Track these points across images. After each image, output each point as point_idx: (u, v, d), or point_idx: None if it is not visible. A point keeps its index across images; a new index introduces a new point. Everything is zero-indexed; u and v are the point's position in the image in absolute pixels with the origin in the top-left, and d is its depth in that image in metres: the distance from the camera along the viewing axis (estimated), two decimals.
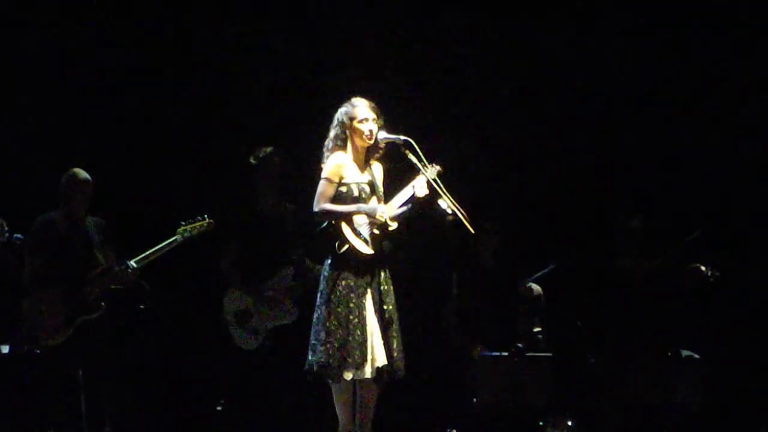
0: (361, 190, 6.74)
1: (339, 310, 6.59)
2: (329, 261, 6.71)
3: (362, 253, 6.65)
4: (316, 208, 6.68)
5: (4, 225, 7.71)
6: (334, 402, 6.70)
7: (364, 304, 6.63)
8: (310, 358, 6.64)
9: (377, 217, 6.65)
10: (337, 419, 6.76)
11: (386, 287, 6.72)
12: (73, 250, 7.63)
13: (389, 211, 6.71)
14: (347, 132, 6.75)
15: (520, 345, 8.12)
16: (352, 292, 6.62)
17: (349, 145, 6.76)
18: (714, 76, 8.89)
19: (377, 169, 6.87)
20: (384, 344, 6.62)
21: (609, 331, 8.20)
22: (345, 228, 6.65)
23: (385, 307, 6.67)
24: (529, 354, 8.13)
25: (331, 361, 6.53)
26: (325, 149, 6.80)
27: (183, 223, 7.66)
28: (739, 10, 8.86)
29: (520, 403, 8.05)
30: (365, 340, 6.57)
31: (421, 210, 6.77)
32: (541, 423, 8.03)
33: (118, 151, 8.78)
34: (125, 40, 8.84)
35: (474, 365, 8.15)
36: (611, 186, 8.92)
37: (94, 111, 8.80)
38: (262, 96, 8.95)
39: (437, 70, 8.99)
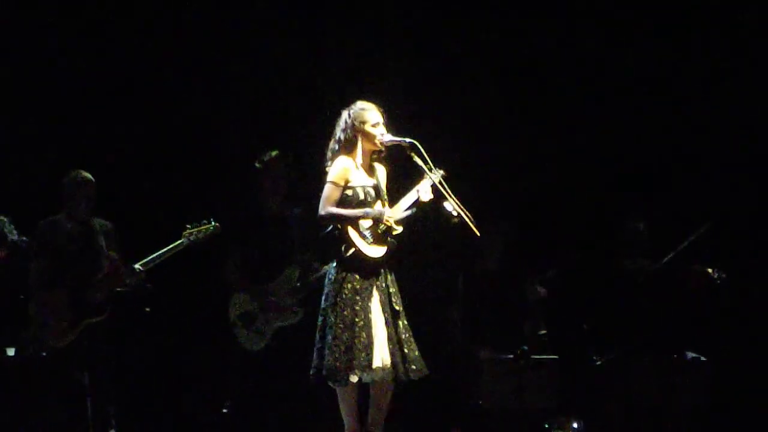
0: (366, 194, 6.72)
1: (345, 313, 6.58)
2: (335, 264, 6.70)
3: (368, 256, 6.64)
4: (322, 212, 6.66)
5: (8, 224, 7.73)
6: (340, 405, 6.69)
7: (370, 306, 6.62)
8: (316, 361, 6.64)
9: (383, 221, 6.64)
10: (341, 421, 6.75)
11: (394, 289, 6.72)
12: (79, 252, 7.64)
13: (395, 214, 6.70)
14: (357, 136, 6.72)
15: (525, 347, 8.12)
16: (358, 294, 6.61)
17: (357, 148, 6.73)
18: (719, 76, 8.88)
19: (381, 170, 6.85)
20: (396, 345, 6.61)
21: (614, 333, 8.19)
22: (351, 231, 6.64)
23: (397, 308, 6.66)
24: (534, 356, 8.13)
25: (337, 364, 6.52)
26: (330, 152, 6.77)
27: (189, 226, 7.66)
28: (742, 10, 8.85)
29: (525, 405, 8.05)
30: (371, 343, 6.56)
31: (427, 213, 6.75)
32: (546, 425, 8.02)
33: (125, 154, 8.78)
34: (132, 42, 8.84)
35: (479, 367, 8.15)
36: (616, 188, 8.91)
37: (99, 113, 8.80)
38: (267, 99, 8.94)
39: (442, 71, 8.98)
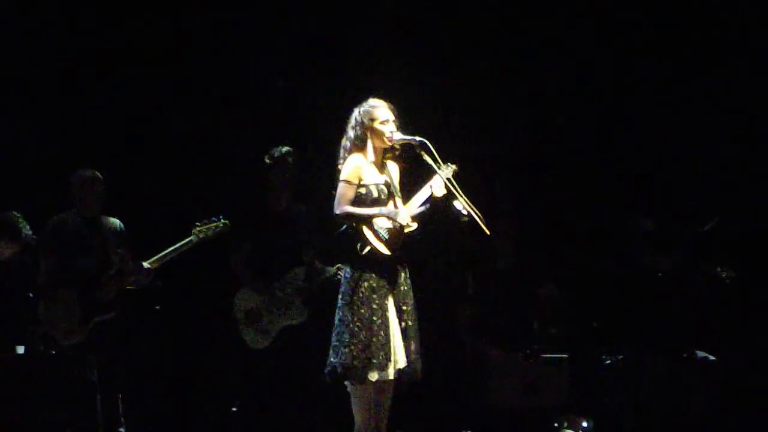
0: (380, 191, 6.71)
1: (362, 311, 6.57)
2: (350, 263, 6.69)
3: (383, 254, 6.63)
4: (337, 211, 6.65)
5: (22, 219, 7.75)
6: (354, 403, 6.65)
7: (387, 305, 6.60)
8: (332, 359, 6.61)
9: (398, 219, 6.63)
10: (347, 420, 6.74)
11: (405, 288, 6.70)
12: (88, 250, 7.64)
13: (409, 211, 6.69)
14: (367, 133, 6.71)
15: (536, 346, 8.11)
16: (375, 293, 6.59)
17: (368, 146, 6.72)
18: (725, 76, 8.87)
19: (393, 168, 6.84)
20: (406, 345, 6.61)
21: (625, 333, 8.18)
22: (366, 230, 6.63)
23: (404, 308, 6.66)
24: (544, 355, 8.12)
25: (355, 362, 6.51)
26: (342, 150, 6.75)
27: (198, 224, 7.66)
28: (746, 11, 8.84)
29: (536, 404, 8.05)
30: (389, 341, 6.55)
31: (439, 210, 6.74)
32: (556, 424, 8.01)
33: (134, 152, 8.80)
34: (140, 40, 8.85)
35: (489, 366, 8.14)
36: (627, 187, 8.89)
37: (108, 112, 8.82)
38: (276, 96, 8.95)
39: (451, 70, 8.97)
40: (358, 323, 6.55)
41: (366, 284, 6.59)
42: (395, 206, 6.72)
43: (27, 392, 7.81)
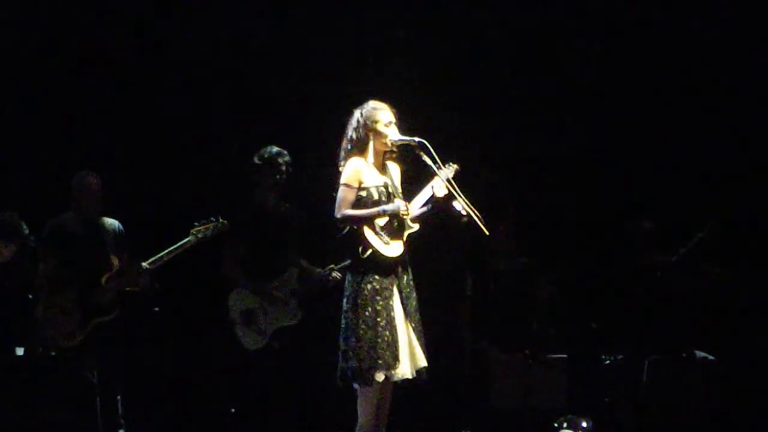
0: (380, 193, 6.69)
1: (367, 314, 6.55)
2: (353, 266, 6.69)
3: (385, 256, 6.62)
4: (338, 215, 6.63)
5: (17, 217, 7.74)
6: (361, 404, 6.62)
7: (392, 305, 6.59)
8: (342, 364, 6.59)
9: (401, 213, 6.62)
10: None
11: (408, 290, 6.70)
12: (87, 251, 7.64)
13: (411, 210, 6.69)
14: (369, 135, 6.69)
15: (534, 346, 8.12)
16: (378, 294, 6.58)
17: (369, 148, 6.70)
18: (727, 76, 8.88)
19: (394, 169, 6.83)
20: (413, 344, 6.60)
21: (624, 333, 8.18)
22: (367, 232, 6.61)
23: (408, 308, 6.65)
24: (543, 355, 8.12)
25: (363, 365, 6.49)
26: (342, 151, 6.74)
27: (196, 224, 7.66)
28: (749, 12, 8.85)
29: (535, 404, 8.05)
30: (395, 341, 6.54)
31: (441, 210, 6.73)
32: (555, 425, 8.01)
33: (131, 153, 8.80)
34: (139, 43, 8.86)
35: (488, 367, 8.14)
36: (626, 187, 8.90)
37: (105, 114, 8.83)
38: (269, 97, 8.95)
39: (450, 70, 8.97)
40: (363, 326, 6.54)
41: (369, 286, 6.58)
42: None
43: (26, 394, 7.81)
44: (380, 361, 6.49)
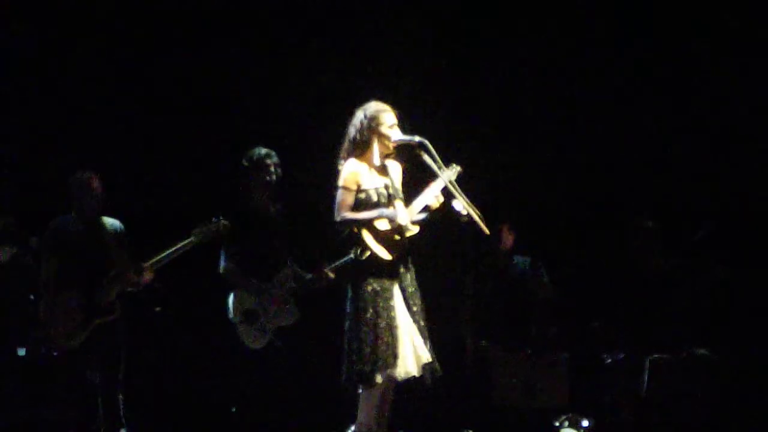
0: (380, 195, 6.69)
1: (368, 316, 6.56)
2: (353, 268, 6.68)
3: (384, 258, 6.62)
4: (337, 218, 6.63)
5: (20, 230, 7.76)
6: (362, 405, 6.65)
7: (393, 305, 6.59)
8: (346, 367, 6.61)
9: (397, 220, 6.61)
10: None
11: (413, 289, 6.70)
12: (88, 252, 7.63)
13: (410, 215, 6.67)
14: (373, 137, 6.67)
15: (535, 345, 8.13)
16: (378, 296, 6.58)
17: (370, 150, 6.69)
18: (733, 77, 8.89)
19: (395, 169, 6.81)
20: (417, 344, 6.60)
21: (625, 332, 8.18)
22: (365, 234, 6.62)
23: (414, 308, 6.65)
24: (544, 354, 8.12)
25: (365, 367, 6.51)
26: (343, 152, 6.73)
27: (198, 225, 7.66)
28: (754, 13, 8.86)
29: (536, 403, 8.05)
30: (396, 340, 6.54)
31: (439, 215, 6.73)
32: (556, 423, 8.01)
33: (132, 153, 8.81)
34: (138, 46, 8.87)
35: (489, 366, 8.14)
36: (628, 187, 8.90)
37: (105, 115, 8.84)
38: (262, 99, 8.96)
39: (451, 71, 8.98)
40: (365, 328, 6.55)
41: (369, 288, 6.59)
42: (394, 208, 6.69)
43: (28, 394, 7.83)
44: (380, 363, 6.49)
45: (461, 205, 6.59)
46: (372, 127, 6.66)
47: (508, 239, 8.57)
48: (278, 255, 7.87)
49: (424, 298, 6.84)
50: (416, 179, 6.84)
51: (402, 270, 6.68)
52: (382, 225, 6.62)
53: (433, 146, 6.62)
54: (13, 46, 8.78)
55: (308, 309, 7.82)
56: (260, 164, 7.84)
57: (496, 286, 8.47)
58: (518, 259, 8.62)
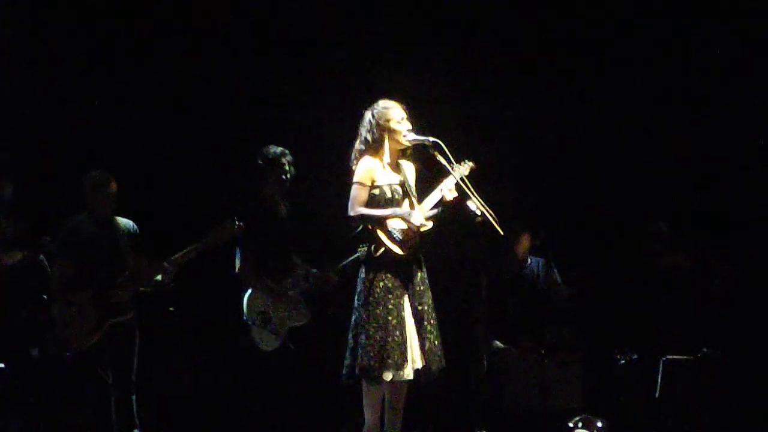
0: (393, 192, 6.72)
1: (378, 312, 6.58)
2: (365, 264, 6.70)
3: (397, 254, 6.63)
4: (351, 213, 6.66)
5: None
6: (365, 403, 6.68)
7: (402, 305, 6.61)
8: (349, 360, 6.63)
9: (411, 220, 6.63)
10: (356, 419, 6.75)
11: (422, 288, 6.71)
12: (102, 252, 7.64)
13: (422, 212, 6.68)
14: (384, 134, 6.71)
15: (549, 346, 8.12)
16: (390, 293, 6.60)
17: (383, 147, 6.72)
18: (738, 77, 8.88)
19: (409, 168, 6.85)
20: (425, 344, 6.61)
21: (639, 333, 8.17)
22: (379, 231, 6.64)
23: (419, 307, 6.65)
24: (558, 355, 8.12)
25: (372, 363, 6.52)
26: (355, 152, 6.77)
27: (211, 226, 7.65)
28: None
29: (550, 404, 8.04)
30: (405, 341, 6.56)
31: (452, 211, 6.74)
32: (570, 424, 8.00)
33: (146, 153, 8.82)
34: (150, 45, 8.89)
35: (503, 367, 8.14)
36: (642, 189, 8.89)
37: (116, 115, 8.86)
38: (275, 98, 8.98)
39: (465, 71, 8.97)
40: (374, 324, 6.56)
41: (381, 284, 6.60)
42: (410, 206, 6.71)
43: (42, 394, 7.84)
44: (390, 361, 6.51)
45: (475, 205, 6.59)
46: (381, 124, 6.71)
47: (525, 244, 8.57)
48: (289, 255, 7.88)
49: (438, 299, 6.84)
50: (429, 182, 6.85)
51: (414, 268, 6.69)
52: (396, 223, 6.64)
53: (447, 147, 6.64)
54: (21, 45, 8.79)
55: (319, 309, 7.83)
56: (276, 162, 7.85)
57: (510, 287, 8.46)
58: (532, 260, 8.62)
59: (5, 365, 7.94)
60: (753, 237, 8.59)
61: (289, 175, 7.87)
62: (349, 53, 8.94)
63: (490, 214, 6.59)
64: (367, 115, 6.77)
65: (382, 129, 6.71)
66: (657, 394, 8.03)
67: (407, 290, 6.64)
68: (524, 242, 8.58)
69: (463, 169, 6.75)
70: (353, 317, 6.66)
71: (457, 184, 6.68)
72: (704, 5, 8.83)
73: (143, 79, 8.89)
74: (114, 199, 7.72)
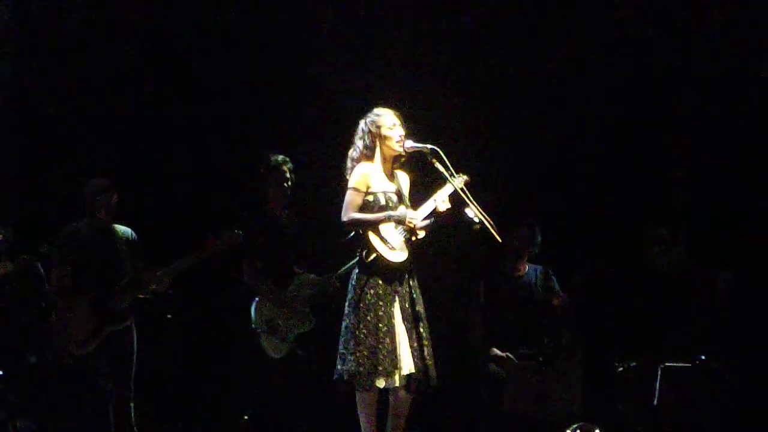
0: (388, 199, 6.74)
1: (368, 318, 6.60)
2: (356, 270, 6.71)
3: (390, 261, 6.65)
4: (344, 218, 6.68)
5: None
6: (359, 410, 6.70)
7: (393, 312, 6.63)
8: (339, 367, 6.64)
9: (407, 222, 6.65)
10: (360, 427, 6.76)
11: (416, 294, 6.73)
12: (100, 259, 7.65)
13: (417, 219, 6.69)
14: (376, 141, 6.75)
15: (547, 353, 8.11)
16: (381, 300, 6.62)
17: (377, 154, 6.77)
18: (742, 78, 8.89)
19: (403, 178, 6.89)
20: (417, 351, 6.61)
21: (637, 340, 8.17)
22: (372, 237, 6.66)
23: (413, 314, 6.66)
24: (556, 362, 8.11)
25: (361, 369, 6.54)
26: (350, 160, 6.81)
27: (212, 235, 7.67)
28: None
29: (548, 411, 8.03)
30: (395, 348, 6.58)
31: (447, 221, 6.76)
32: (568, 431, 7.99)
33: (146, 162, 8.83)
34: (151, 51, 8.90)
35: (501, 374, 8.14)
36: (641, 193, 8.89)
37: (117, 122, 8.87)
38: (277, 106, 8.99)
39: (462, 77, 8.98)
40: (364, 330, 6.58)
41: (372, 291, 6.62)
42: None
43: (40, 401, 7.83)
44: (380, 368, 6.53)
45: (473, 212, 6.61)
46: (373, 131, 6.77)
47: (525, 246, 8.56)
48: (291, 262, 7.89)
49: (434, 306, 6.85)
50: (424, 191, 6.86)
51: (406, 275, 6.71)
52: (389, 228, 6.66)
53: (445, 153, 6.65)
54: (21, 44, 8.81)
55: (323, 315, 7.84)
56: (278, 170, 7.88)
57: (507, 294, 8.45)
58: (529, 267, 8.61)
59: (3, 372, 7.93)
60: (753, 237, 8.59)
61: (290, 183, 7.89)
62: (351, 61, 8.96)
63: (488, 221, 6.60)
64: (360, 123, 6.83)
65: (374, 135, 6.75)
66: (655, 402, 8.02)
67: (398, 297, 6.65)
68: (520, 237, 8.54)
69: (458, 181, 6.75)
70: (343, 324, 6.68)
71: (451, 194, 6.70)
72: (704, 5, 8.84)
73: (144, 83, 8.90)
74: (115, 207, 7.74)
